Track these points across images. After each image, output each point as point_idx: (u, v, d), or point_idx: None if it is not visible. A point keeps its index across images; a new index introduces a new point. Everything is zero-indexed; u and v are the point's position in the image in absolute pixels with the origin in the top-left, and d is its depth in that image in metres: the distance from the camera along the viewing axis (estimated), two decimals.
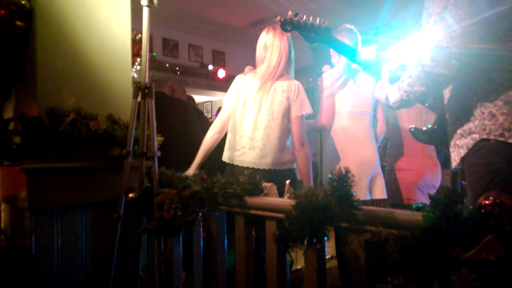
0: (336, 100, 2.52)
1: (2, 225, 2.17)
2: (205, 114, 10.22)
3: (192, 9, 7.06)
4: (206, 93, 9.08)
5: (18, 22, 1.89)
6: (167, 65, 7.48)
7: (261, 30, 7.52)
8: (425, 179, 2.73)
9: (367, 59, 1.96)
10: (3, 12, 1.83)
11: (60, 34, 2.00)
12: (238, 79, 2.29)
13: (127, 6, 2.24)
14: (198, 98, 10.17)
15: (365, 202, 2.27)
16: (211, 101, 10.72)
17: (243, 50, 8.80)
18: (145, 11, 1.96)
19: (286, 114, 2.18)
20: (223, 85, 8.64)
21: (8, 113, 2.36)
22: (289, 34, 2.25)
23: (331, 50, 2.65)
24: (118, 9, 2.20)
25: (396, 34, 6.19)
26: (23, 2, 1.88)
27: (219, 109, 3.03)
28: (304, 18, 1.72)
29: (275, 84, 2.18)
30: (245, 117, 2.18)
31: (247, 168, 2.13)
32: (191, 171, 2.20)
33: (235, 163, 2.17)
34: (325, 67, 3.01)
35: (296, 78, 2.31)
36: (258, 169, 2.12)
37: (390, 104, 1.59)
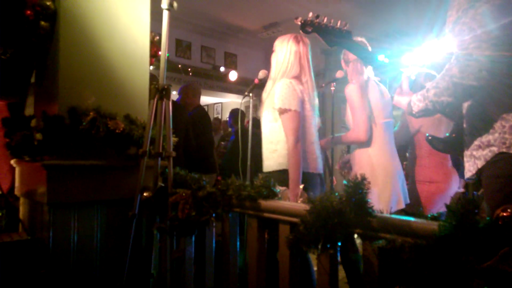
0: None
1: (21, 218, 2.22)
2: (215, 116, 10.28)
3: (206, 11, 7.12)
4: (217, 95, 9.14)
5: (42, 23, 1.93)
6: (179, 66, 7.54)
7: (273, 33, 7.57)
8: (447, 192, 2.75)
9: (382, 64, 1.97)
10: (29, 12, 1.88)
11: (82, 35, 2.05)
12: (295, 84, 2.27)
13: (147, 10, 2.28)
14: (209, 99, 10.25)
15: None
16: (221, 103, 10.77)
17: (255, 53, 8.85)
18: (165, 15, 2.00)
19: None
20: (234, 87, 8.69)
21: (28, 110, 2.42)
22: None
23: (342, 61, 2.70)
24: (139, 12, 2.25)
25: (410, 40, 6.19)
26: (48, 3, 1.93)
27: (235, 112, 3.04)
28: (325, 20, 1.70)
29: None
30: (312, 123, 2.33)
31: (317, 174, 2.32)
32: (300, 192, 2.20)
33: (308, 170, 2.28)
34: (339, 73, 3.04)
35: None
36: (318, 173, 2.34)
37: (414, 112, 1.57)
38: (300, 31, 1.73)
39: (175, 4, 1.99)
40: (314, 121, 2.37)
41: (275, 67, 2.38)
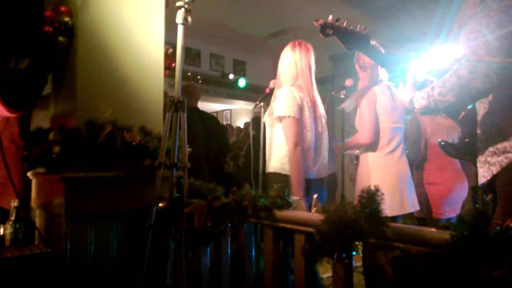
0: (378, 115, 2.55)
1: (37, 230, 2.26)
2: (224, 122, 10.34)
3: (214, 20, 7.20)
4: (226, 102, 9.21)
5: (60, 38, 1.99)
6: (189, 73, 7.62)
7: (281, 40, 7.59)
8: (455, 194, 2.76)
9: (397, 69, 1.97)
10: (47, 29, 1.94)
11: (99, 50, 2.10)
12: (294, 92, 2.34)
13: (161, 23, 2.34)
14: (218, 106, 10.32)
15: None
16: (230, 110, 10.84)
17: (263, 60, 8.91)
18: (180, 29, 2.04)
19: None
20: (243, 94, 8.75)
21: (38, 123, 2.48)
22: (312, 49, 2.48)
23: (356, 65, 2.72)
24: (153, 26, 2.30)
25: (417, 46, 6.19)
26: (66, 20, 1.98)
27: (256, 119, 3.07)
28: (345, 24, 1.72)
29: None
30: (310, 131, 2.36)
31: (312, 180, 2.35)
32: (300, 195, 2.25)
33: (315, 177, 2.36)
34: (348, 81, 3.07)
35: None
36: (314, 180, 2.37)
37: (415, 109, 1.59)
38: (320, 34, 1.73)
39: (189, 19, 2.03)
40: (316, 127, 2.41)
41: (278, 77, 2.49)
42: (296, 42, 2.48)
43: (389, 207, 2.37)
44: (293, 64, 2.41)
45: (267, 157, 2.44)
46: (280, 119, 2.31)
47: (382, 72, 2.60)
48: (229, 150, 4.22)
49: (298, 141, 2.26)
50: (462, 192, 2.85)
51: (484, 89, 1.30)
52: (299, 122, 2.29)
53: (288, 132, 2.28)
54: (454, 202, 2.77)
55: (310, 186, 2.32)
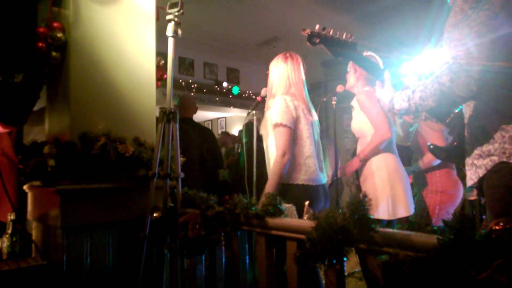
0: None
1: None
2: (220, 130, 10.37)
3: (207, 28, 7.23)
4: (220, 110, 9.24)
5: (54, 53, 2.02)
6: (182, 82, 7.66)
7: (274, 47, 7.61)
8: (456, 201, 2.78)
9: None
10: (40, 44, 1.97)
11: (92, 64, 2.13)
12: (289, 101, 2.38)
13: (152, 37, 2.38)
14: (213, 114, 10.35)
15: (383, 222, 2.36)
16: (225, 117, 10.87)
17: (256, 67, 8.96)
18: (170, 41, 2.08)
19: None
20: (237, 102, 8.79)
21: (33, 137, 2.50)
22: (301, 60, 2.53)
23: (350, 67, 2.77)
24: (144, 39, 2.34)
25: (409, 50, 6.26)
26: (59, 35, 2.01)
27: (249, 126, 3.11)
28: (331, 32, 1.75)
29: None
30: (309, 137, 2.41)
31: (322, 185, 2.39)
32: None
33: (308, 183, 2.34)
34: (339, 87, 3.11)
35: (309, 93, 2.55)
36: (321, 185, 2.40)
37: (395, 110, 1.62)
38: (307, 43, 1.77)
39: (179, 32, 2.07)
40: (312, 135, 2.44)
41: (269, 86, 2.53)
42: (287, 54, 2.53)
43: (404, 204, 2.43)
44: (286, 74, 2.46)
45: (268, 168, 2.47)
46: (274, 127, 2.34)
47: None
48: (221, 159, 4.24)
49: (287, 151, 2.27)
50: (459, 197, 2.87)
51: (465, 97, 1.35)
52: (291, 131, 2.32)
53: (278, 140, 2.30)
54: (451, 209, 2.79)
55: (318, 192, 2.36)
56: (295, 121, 2.35)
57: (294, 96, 2.41)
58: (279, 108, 2.33)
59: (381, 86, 1.76)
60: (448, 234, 1.09)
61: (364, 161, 2.58)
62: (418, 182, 2.98)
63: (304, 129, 2.38)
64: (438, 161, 2.80)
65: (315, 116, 2.53)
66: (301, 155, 2.35)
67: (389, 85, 1.72)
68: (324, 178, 2.46)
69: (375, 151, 2.54)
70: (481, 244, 1.03)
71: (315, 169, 2.38)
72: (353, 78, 2.74)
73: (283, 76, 2.46)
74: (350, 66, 2.75)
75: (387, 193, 2.42)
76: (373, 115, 2.55)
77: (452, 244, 1.07)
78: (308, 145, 2.38)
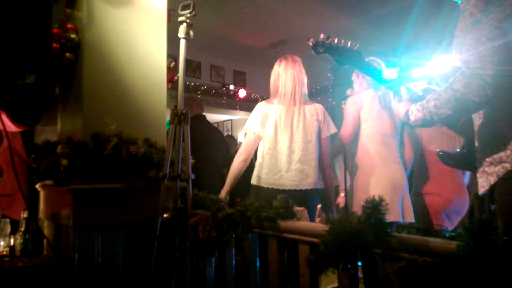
0: (363, 121, 2.60)
1: (45, 241, 2.28)
2: (225, 132, 10.38)
3: (214, 31, 7.26)
4: (226, 112, 9.25)
5: (67, 54, 2.03)
6: (191, 84, 7.68)
7: (281, 50, 7.64)
8: (453, 204, 2.73)
9: (391, 79, 2.01)
10: (54, 45, 1.98)
11: (104, 64, 2.14)
12: (262, 106, 2.42)
13: (163, 38, 2.39)
14: (219, 117, 10.35)
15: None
16: (231, 120, 10.87)
17: (263, 70, 8.95)
18: (182, 43, 2.08)
19: (318, 135, 2.38)
20: (244, 104, 8.80)
21: (45, 136, 2.51)
22: (300, 61, 2.50)
23: (354, 75, 2.78)
24: (156, 40, 2.34)
25: (419, 55, 6.23)
26: (73, 36, 2.02)
27: None
28: (336, 41, 1.74)
29: (302, 108, 2.37)
30: (278, 141, 2.31)
31: (289, 190, 2.27)
32: (222, 196, 2.37)
33: (273, 187, 2.31)
34: (349, 91, 3.10)
35: (316, 97, 2.54)
36: (298, 190, 2.29)
37: (410, 122, 1.61)
38: (312, 52, 1.77)
39: (191, 33, 2.08)
40: (298, 139, 2.35)
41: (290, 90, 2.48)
42: (283, 57, 2.53)
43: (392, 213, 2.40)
44: (277, 77, 2.45)
45: (305, 172, 2.46)
46: (330, 136, 2.42)
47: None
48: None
49: (247, 157, 2.39)
50: (460, 205, 2.80)
51: (480, 102, 1.32)
52: (253, 136, 2.37)
53: (329, 148, 2.38)
54: (452, 214, 2.74)
55: (305, 196, 2.31)
56: (265, 126, 2.36)
57: (277, 101, 2.39)
58: (251, 114, 2.41)
59: (398, 100, 1.76)
60: (467, 240, 1.07)
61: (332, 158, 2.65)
62: (417, 185, 2.94)
63: (272, 134, 2.35)
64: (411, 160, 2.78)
65: (308, 120, 2.40)
66: (291, 161, 2.33)
67: (405, 97, 1.71)
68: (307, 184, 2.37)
69: (338, 150, 2.65)
70: (503, 251, 1.01)
71: (305, 175, 2.34)
72: (357, 85, 2.75)
73: (275, 79, 2.47)
74: (354, 74, 2.77)
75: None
76: (346, 116, 2.61)
77: (473, 251, 1.05)
78: (295, 149, 2.33)
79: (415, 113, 1.56)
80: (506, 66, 1.27)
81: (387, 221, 1.32)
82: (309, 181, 2.32)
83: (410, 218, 2.51)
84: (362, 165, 2.57)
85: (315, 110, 2.41)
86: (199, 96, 7.67)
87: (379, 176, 2.49)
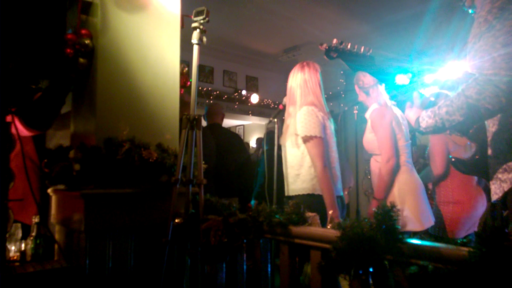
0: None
1: (56, 246, 2.30)
2: None
3: (227, 37, 7.31)
4: (239, 117, 9.27)
5: (81, 60, 2.06)
6: (204, 89, 7.72)
7: (293, 56, 7.64)
8: (476, 212, 2.71)
9: (403, 85, 1.99)
10: (68, 51, 2.01)
11: (118, 70, 2.16)
12: (316, 111, 2.38)
13: (177, 44, 2.40)
14: (232, 122, 10.39)
15: None
16: (243, 125, 10.90)
17: (275, 75, 8.99)
18: (195, 49, 2.10)
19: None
20: (256, 110, 8.81)
21: (53, 141, 2.55)
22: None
23: (356, 86, 2.78)
24: (169, 46, 2.36)
25: (431, 61, 6.18)
26: (87, 42, 2.06)
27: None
28: (349, 46, 1.74)
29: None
30: (334, 147, 2.41)
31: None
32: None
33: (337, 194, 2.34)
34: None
35: (328, 103, 2.56)
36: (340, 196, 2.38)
37: (421, 128, 1.59)
38: (325, 57, 1.77)
39: (204, 39, 2.10)
40: (334, 145, 2.44)
41: (288, 94, 2.52)
42: (304, 63, 2.53)
43: (417, 219, 2.38)
44: (304, 83, 2.44)
45: (290, 179, 2.43)
46: (305, 139, 2.32)
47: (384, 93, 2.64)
48: (249, 166, 4.27)
49: (326, 161, 2.28)
50: (480, 210, 2.79)
51: (493, 109, 1.30)
52: (323, 141, 2.31)
53: (314, 152, 2.29)
54: (472, 220, 2.72)
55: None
56: (324, 131, 2.34)
57: (315, 106, 2.40)
58: (308, 119, 2.31)
59: (409, 106, 1.74)
60: (480, 246, 1.06)
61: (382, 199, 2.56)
62: (433, 193, 2.92)
63: (330, 141, 2.37)
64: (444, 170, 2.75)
65: (333, 125, 2.52)
66: (329, 165, 2.35)
67: (417, 104, 1.70)
68: (341, 189, 2.44)
69: (388, 183, 2.51)
70: None
71: (337, 179, 2.37)
72: (362, 92, 2.75)
73: (302, 85, 2.45)
74: (355, 82, 2.77)
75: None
76: (380, 138, 2.55)
77: (485, 257, 1.04)
78: (333, 156, 2.37)
79: (426, 119, 1.54)
80: None
81: (399, 227, 1.31)
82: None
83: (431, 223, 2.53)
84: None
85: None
86: (211, 101, 7.72)
87: (406, 185, 2.52)
